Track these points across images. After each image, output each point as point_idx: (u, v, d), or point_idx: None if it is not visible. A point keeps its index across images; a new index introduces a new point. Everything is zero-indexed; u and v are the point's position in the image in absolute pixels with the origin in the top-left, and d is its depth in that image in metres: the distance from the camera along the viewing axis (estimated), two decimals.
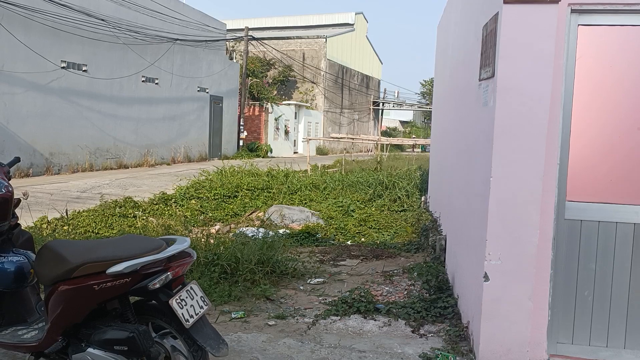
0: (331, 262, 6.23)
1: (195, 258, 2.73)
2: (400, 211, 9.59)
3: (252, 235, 6.63)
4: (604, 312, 3.32)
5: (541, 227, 3.26)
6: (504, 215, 3.26)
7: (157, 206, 8.90)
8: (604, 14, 3.22)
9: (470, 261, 3.85)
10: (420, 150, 30.09)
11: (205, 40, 21.16)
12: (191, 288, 2.67)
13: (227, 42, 26.43)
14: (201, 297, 2.68)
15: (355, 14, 38.93)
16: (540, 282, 3.31)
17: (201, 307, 2.64)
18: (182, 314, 2.53)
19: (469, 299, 3.86)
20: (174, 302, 2.53)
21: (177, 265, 2.59)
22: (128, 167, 17.22)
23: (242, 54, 26.13)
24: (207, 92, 22.06)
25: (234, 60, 26.63)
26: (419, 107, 49.57)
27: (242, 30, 26.76)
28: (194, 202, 9.53)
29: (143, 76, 17.95)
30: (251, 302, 4.61)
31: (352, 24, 38.52)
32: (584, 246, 3.32)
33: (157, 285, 2.53)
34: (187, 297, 2.61)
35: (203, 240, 5.81)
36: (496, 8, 3.36)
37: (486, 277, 3.29)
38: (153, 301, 2.63)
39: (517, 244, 3.26)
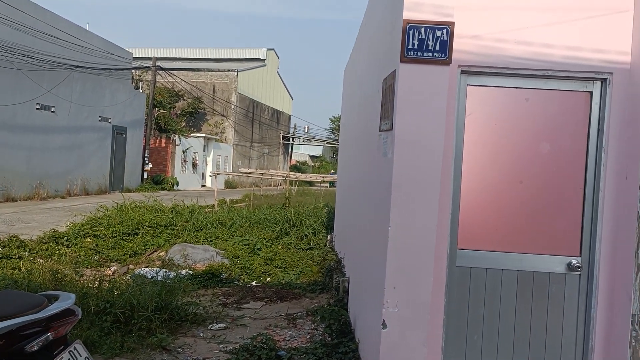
0: (234, 305, 6.08)
1: (80, 316, 2.55)
2: (307, 249, 9.62)
3: (152, 277, 6.34)
4: (492, 356, 3.49)
5: (435, 274, 3.39)
6: (401, 263, 3.36)
7: (46, 245, 8.26)
8: (488, 76, 3.50)
9: (370, 307, 3.92)
10: (328, 185, 30.61)
11: (109, 69, 20.39)
12: (75, 349, 2.48)
13: (133, 72, 25.63)
14: (86, 357, 2.50)
15: (267, 50, 39.49)
16: (434, 327, 3.42)
17: None
18: None
19: (369, 344, 3.91)
20: None
21: (59, 324, 2.40)
22: (16, 201, 15.89)
23: (149, 84, 25.44)
24: (110, 122, 21.14)
25: (140, 90, 25.83)
26: (328, 142, 50.78)
27: (149, 59, 26.13)
28: (89, 240, 8.96)
29: (38, 103, 16.85)
30: (145, 354, 4.35)
31: (264, 60, 38.99)
32: (473, 292, 3.50)
33: (36, 348, 2.32)
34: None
35: (96, 284, 5.45)
36: (394, 65, 3.54)
37: (384, 325, 3.36)
38: None
39: (414, 291, 3.36)
